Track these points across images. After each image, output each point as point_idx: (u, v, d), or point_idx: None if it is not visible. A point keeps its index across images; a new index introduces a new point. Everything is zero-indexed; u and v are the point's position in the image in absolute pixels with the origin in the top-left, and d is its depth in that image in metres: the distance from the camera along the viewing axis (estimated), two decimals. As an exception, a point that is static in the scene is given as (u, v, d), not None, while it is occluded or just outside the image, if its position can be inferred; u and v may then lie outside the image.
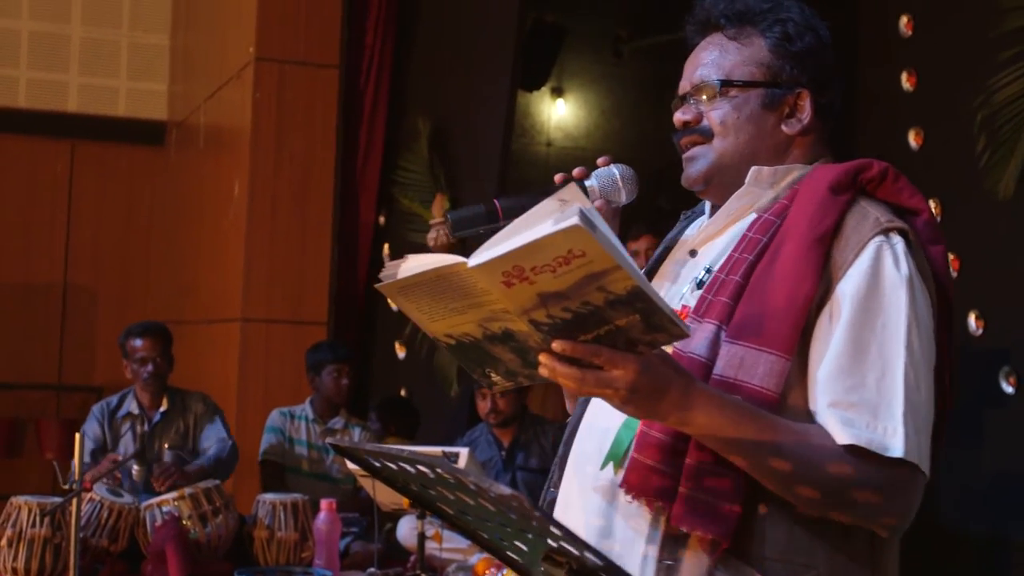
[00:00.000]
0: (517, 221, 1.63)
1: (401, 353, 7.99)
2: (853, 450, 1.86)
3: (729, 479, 1.88)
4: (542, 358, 1.72)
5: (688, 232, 2.28)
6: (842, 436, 1.87)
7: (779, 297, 1.92)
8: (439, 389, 7.54)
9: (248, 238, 7.95)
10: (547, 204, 1.61)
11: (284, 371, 7.72)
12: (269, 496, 5.66)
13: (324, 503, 5.27)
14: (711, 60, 2.16)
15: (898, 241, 1.97)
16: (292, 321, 7.92)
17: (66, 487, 4.70)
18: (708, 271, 2.09)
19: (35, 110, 9.80)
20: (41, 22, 9.86)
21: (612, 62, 10.35)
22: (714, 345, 1.94)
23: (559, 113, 10.36)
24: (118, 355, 6.32)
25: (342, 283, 8.11)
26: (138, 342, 6.22)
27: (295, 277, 7.96)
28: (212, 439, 6.21)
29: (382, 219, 8.25)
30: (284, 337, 7.86)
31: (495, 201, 2.08)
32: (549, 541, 1.61)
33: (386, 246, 8.20)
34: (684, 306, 2.07)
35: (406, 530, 5.93)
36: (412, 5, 8.25)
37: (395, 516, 5.89)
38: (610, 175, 2.14)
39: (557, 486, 2.19)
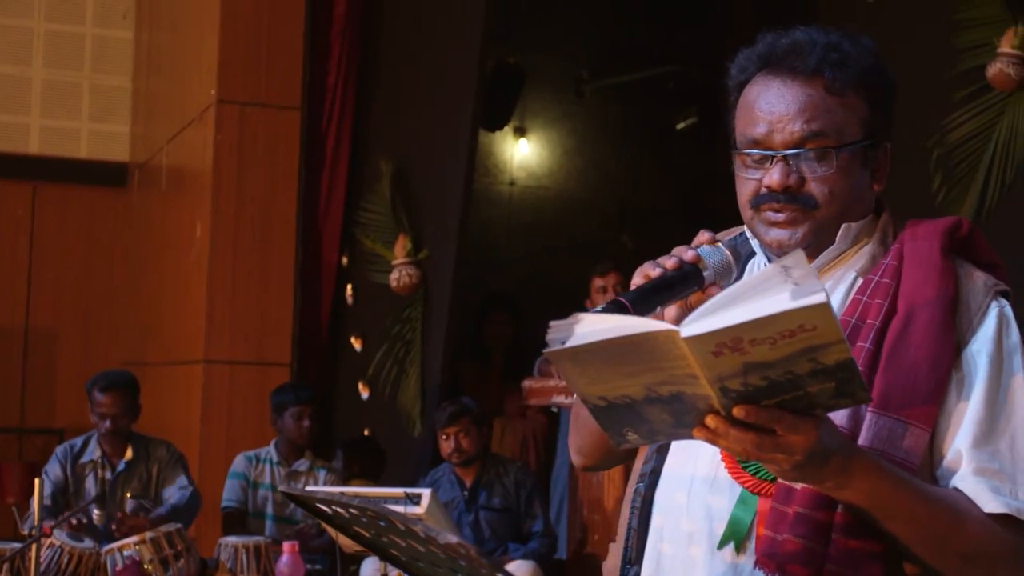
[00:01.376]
0: (736, 289, 1.57)
1: (365, 393, 7.98)
2: (1000, 518, 1.84)
3: (876, 556, 1.84)
4: (709, 421, 1.66)
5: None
6: (992, 504, 1.84)
7: (922, 369, 1.89)
8: (402, 429, 7.53)
9: (210, 279, 7.94)
10: (771, 272, 1.56)
11: (247, 412, 7.70)
12: (231, 539, 5.64)
13: (287, 545, 5.26)
14: (816, 118, 1.96)
15: (1006, 304, 1.97)
16: (255, 362, 7.90)
17: (25, 532, 4.68)
18: None
19: (-4, 152, 9.78)
20: (2, 64, 9.84)
21: (574, 101, 10.42)
22: (856, 415, 1.89)
23: (522, 152, 10.41)
24: (80, 397, 6.30)
25: (305, 324, 8.11)
26: (100, 396, 6.19)
27: (258, 318, 7.95)
28: (174, 489, 6.18)
29: (345, 260, 8.25)
30: (247, 378, 7.84)
31: (619, 299, 1.88)
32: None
33: (349, 286, 8.20)
34: None
35: (369, 572, 5.93)
36: (374, 46, 8.29)
37: (358, 558, 5.89)
38: (723, 259, 1.99)
39: (638, 562, 2.08)
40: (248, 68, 8.04)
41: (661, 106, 10.31)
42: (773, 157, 1.97)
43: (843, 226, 2.00)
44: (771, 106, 1.98)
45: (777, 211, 1.99)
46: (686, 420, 1.68)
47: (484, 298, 8.83)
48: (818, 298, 1.50)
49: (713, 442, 1.69)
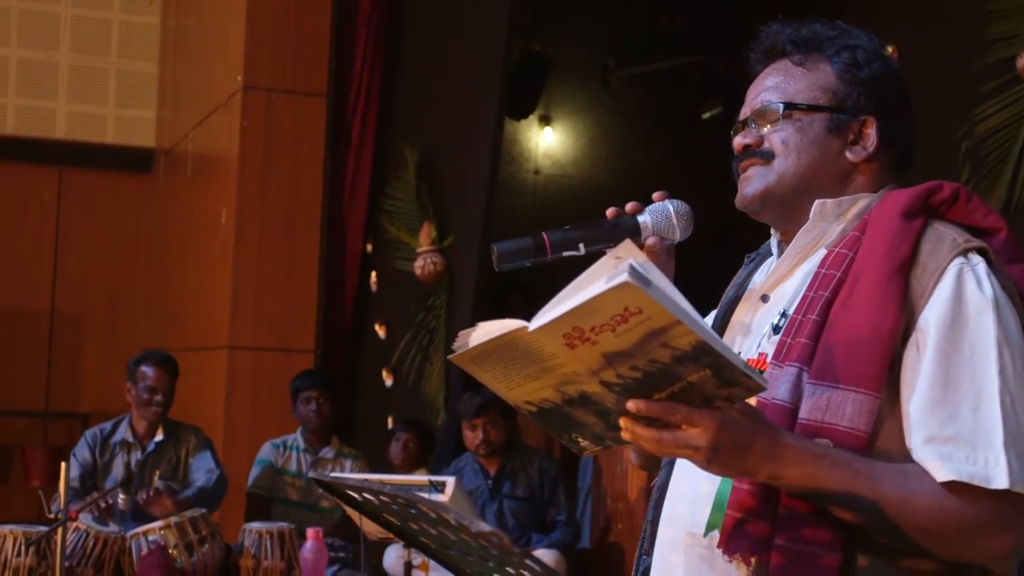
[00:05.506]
0: (574, 282, 1.59)
1: (388, 381, 7.99)
2: (955, 486, 1.78)
3: (826, 528, 1.80)
4: (621, 421, 1.68)
5: (756, 277, 2.18)
6: (941, 472, 1.78)
7: (862, 333, 1.84)
8: (426, 417, 7.53)
9: (235, 266, 7.95)
10: (603, 262, 1.58)
11: (271, 399, 7.71)
12: (256, 525, 5.65)
13: (311, 532, 5.27)
14: (774, 85, 2.09)
15: (979, 262, 1.88)
16: (279, 349, 7.91)
17: (51, 516, 4.70)
18: (784, 315, 1.99)
19: (23, 137, 9.80)
20: (30, 49, 9.87)
21: (600, 90, 10.39)
22: (797, 389, 1.86)
23: (547, 141, 10.39)
24: (104, 382, 6.33)
25: (329, 311, 8.11)
26: (151, 371, 6.23)
27: (282, 305, 7.96)
28: (201, 471, 6.20)
29: (369, 247, 8.25)
30: (271, 365, 7.85)
31: (543, 235, 1.99)
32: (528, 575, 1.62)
33: (373, 274, 8.21)
34: (761, 353, 1.98)
35: (393, 559, 5.94)
36: (400, 34, 8.28)
37: (382, 545, 5.89)
38: (664, 211, 2.03)
39: (650, 553, 2.08)
40: (274, 55, 8.04)
41: (686, 95, 10.28)
42: (743, 124, 2.11)
43: (816, 203, 2.02)
44: (750, 89, 2.14)
45: (743, 170, 2.08)
46: (612, 421, 1.70)
47: (496, 287, 8.77)
48: (621, 278, 1.52)
49: (636, 442, 1.70)
